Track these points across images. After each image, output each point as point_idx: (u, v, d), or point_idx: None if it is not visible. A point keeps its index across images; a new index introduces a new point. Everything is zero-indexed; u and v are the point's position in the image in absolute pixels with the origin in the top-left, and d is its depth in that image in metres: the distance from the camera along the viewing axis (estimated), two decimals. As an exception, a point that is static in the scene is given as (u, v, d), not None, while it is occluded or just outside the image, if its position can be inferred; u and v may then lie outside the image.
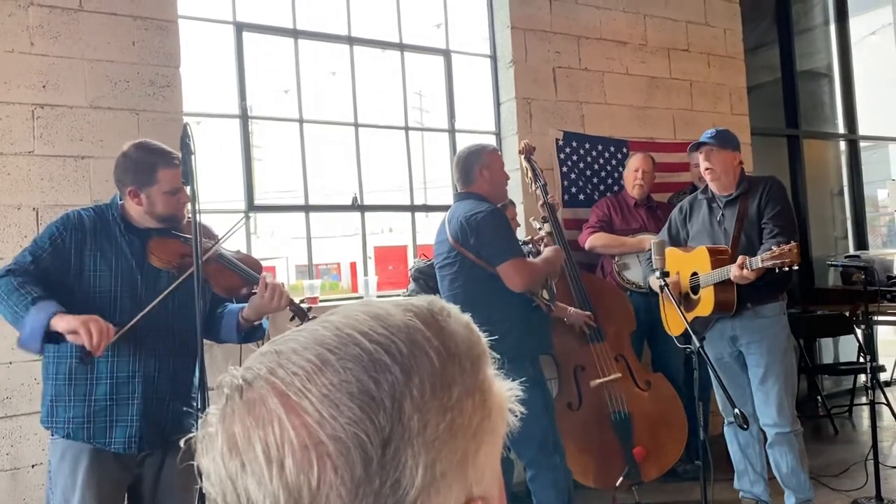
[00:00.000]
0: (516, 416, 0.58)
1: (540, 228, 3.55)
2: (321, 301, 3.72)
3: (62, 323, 2.01)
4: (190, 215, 2.30)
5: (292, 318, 2.44)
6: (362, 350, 0.51)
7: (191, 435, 0.55)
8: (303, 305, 2.46)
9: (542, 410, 2.96)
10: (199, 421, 0.54)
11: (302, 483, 0.48)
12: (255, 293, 2.35)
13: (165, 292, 2.17)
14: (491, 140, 4.58)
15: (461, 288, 3.02)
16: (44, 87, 3.17)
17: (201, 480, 0.52)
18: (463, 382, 0.54)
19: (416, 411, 0.50)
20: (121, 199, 2.29)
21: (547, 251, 3.18)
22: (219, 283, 2.32)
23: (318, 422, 0.49)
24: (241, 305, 2.40)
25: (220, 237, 2.35)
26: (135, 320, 2.12)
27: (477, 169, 3.08)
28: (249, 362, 0.54)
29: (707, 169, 3.29)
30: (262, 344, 2.68)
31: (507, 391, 0.58)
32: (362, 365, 0.51)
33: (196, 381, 2.28)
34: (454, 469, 0.52)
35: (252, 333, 2.43)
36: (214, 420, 0.52)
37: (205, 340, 2.42)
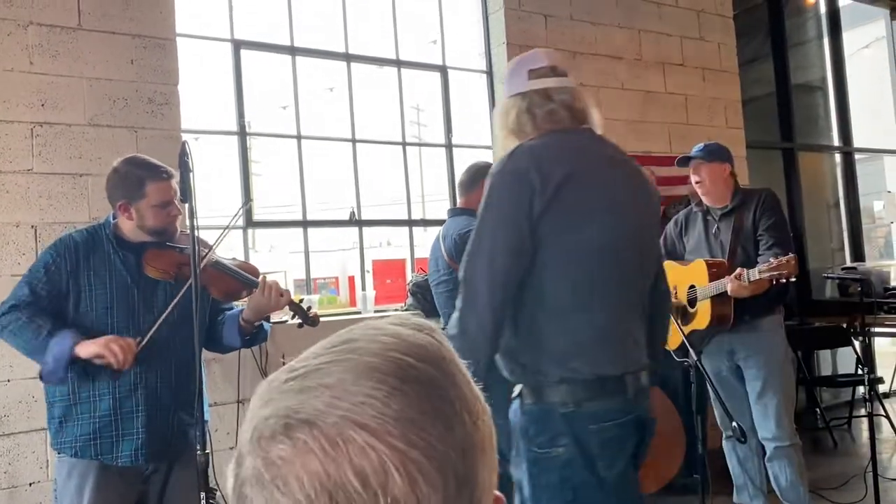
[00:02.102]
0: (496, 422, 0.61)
1: None
2: (320, 316, 3.72)
3: (84, 351, 2.10)
4: (182, 228, 2.33)
5: (293, 317, 2.45)
6: (419, 372, 0.54)
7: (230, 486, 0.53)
8: (303, 304, 2.47)
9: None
10: (232, 483, 0.53)
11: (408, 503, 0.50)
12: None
13: (176, 299, 2.20)
14: (488, 155, 4.60)
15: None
16: (42, 105, 3.19)
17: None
18: (475, 392, 0.58)
19: (472, 422, 0.54)
20: (114, 217, 2.31)
21: None
22: (217, 288, 2.34)
23: (410, 444, 0.50)
24: (240, 309, 2.42)
25: (213, 245, 2.37)
26: (153, 330, 2.17)
27: (481, 181, 3.10)
28: (287, 402, 0.53)
29: (697, 182, 3.31)
30: (265, 347, 2.67)
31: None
32: (424, 385, 0.53)
33: (204, 390, 2.30)
34: (490, 473, 0.56)
35: (255, 336, 2.45)
36: (274, 464, 0.51)
37: (206, 353, 2.45)
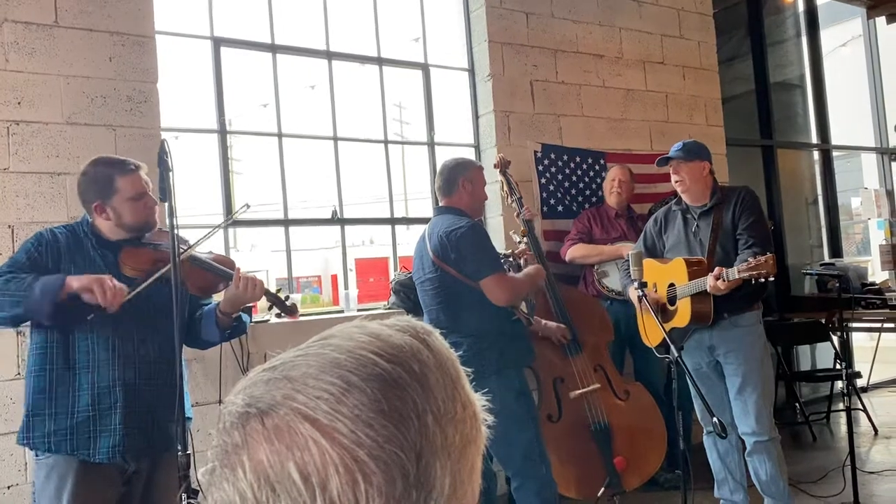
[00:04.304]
0: (488, 425, 0.60)
1: (520, 242, 3.57)
2: (302, 315, 3.70)
3: (76, 282, 2.07)
4: (161, 224, 2.31)
5: (270, 308, 2.45)
6: (382, 370, 0.53)
7: (206, 468, 0.54)
8: (280, 294, 2.46)
9: (528, 421, 2.97)
10: (206, 463, 0.54)
11: (347, 502, 0.49)
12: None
13: (157, 275, 2.18)
14: (470, 152, 4.61)
15: (443, 302, 3.03)
16: (19, 103, 3.15)
17: None
18: (459, 396, 0.57)
19: (437, 425, 0.53)
20: (90, 218, 2.29)
21: (529, 269, 3.20)
22: (193, 284, 2.33)
23: (357, 442, 0.50)
24: (217, 303, 2.41)
25: (192, 242, 2.36)
26: (143, 286, 2.15)
27: (460, 181, 3.11)
28: (254, 391, 0.54)
29: (677, 181, 3.34)
30: (245, 340, 2.68)
31: (478, 402, 0.60)
32: (387, 384, 0.52)
33: (185, 388, 2.29)
34: (467, 477, 0.55)
35: (234, 330, 2.44)
36: (227, 451, 0.52)
37: (187, 350, 2.44)
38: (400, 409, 0.52)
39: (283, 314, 2.45)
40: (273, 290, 2.48)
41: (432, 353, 0.57)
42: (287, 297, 2.49)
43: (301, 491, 0.49)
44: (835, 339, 5.58)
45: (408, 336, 0.57)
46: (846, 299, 4.94)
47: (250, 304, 2.49)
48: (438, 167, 3.25)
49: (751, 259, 2.91)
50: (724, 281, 2.97)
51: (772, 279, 2.89)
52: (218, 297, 2.48)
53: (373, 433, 0.50)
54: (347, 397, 0.51)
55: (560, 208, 4.61)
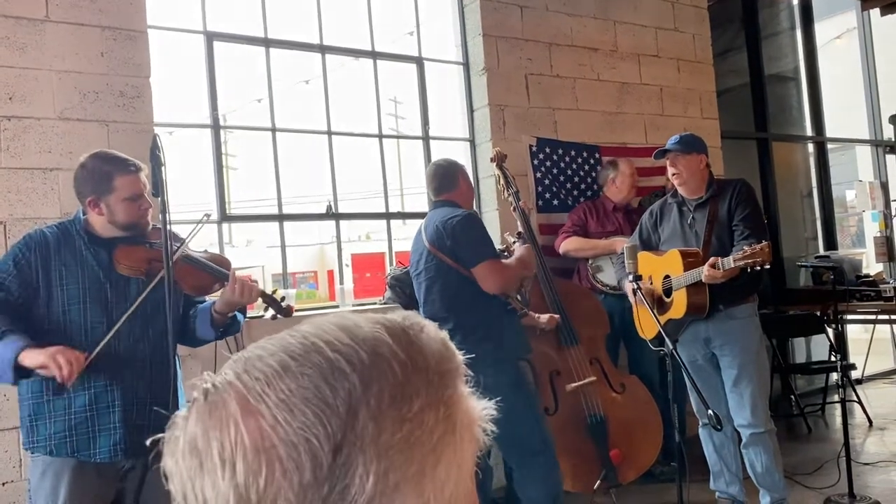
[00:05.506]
0: (489, 434, 0.58)
1: (514, 242, 3.54)
2: (297, 310, 3.69)
3: (29, 359, 2.02)
4: (154, 222, 2.30)
5: (266, 309, 2.44)
6: (323, 358, 0.52)
7: (159, 436, 0.55)
8: (275, 295, 2.46)
9: (525, 412, 2.97)
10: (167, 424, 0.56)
11: (250, 485, 0.49)
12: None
13: (133, 307, 2.16)
14: (465, 147, 4.60)
15: (439, 293, 3.02)
16: (10, 98, 3.13)
17: (167, 483, 0.53)
18: (427, 395, 0.53)
19: (371, 420, 0.51)
20: (84, 213, 2.28)
21: (519, 250, 3.20)
22: (188, 284, 2.32)
23: (272, 426, 0.50)
24: (212, 302, 2.40)
25: (185, 239, 2.35)
26: (103, 342, 2.11)
27: (460, 177, 3.20)
28: (223, 368, 0.55)
29: (674, 174, 3.33)
30: (240, 336, 2.67)
31: (480, 410, 0.58)
32: (321, 372, 0.52)
33: (179, 384, 2.28)
34: (409, 481, 0.51)
35: (228, 328, 2.43)
36: (180, 423, 0.54)
37: (182, 348, 2.43)
38: (327, 398, 0.51)
39: (277, 315, 2.44)
40: (269, 289, 2.47)
41: (405, 348, 0.55)
42: (283, 298, 2.48)
43: (217, 468, 0.50)
44: (830, 331, 5.59)
45: (379, 328, 0.55)
46: (841, 291, 4.95)
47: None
48: (429, 170, 3.27)
49: (746, 248, 2.92)
50: (719, 270, 2.98)
51: (767, 267, 2.88)
52: (214, 296, 2.47)
53: (291, 418, 0.50)
54: (279, 381, 0.51)
55: (555, 202, 4.61)
